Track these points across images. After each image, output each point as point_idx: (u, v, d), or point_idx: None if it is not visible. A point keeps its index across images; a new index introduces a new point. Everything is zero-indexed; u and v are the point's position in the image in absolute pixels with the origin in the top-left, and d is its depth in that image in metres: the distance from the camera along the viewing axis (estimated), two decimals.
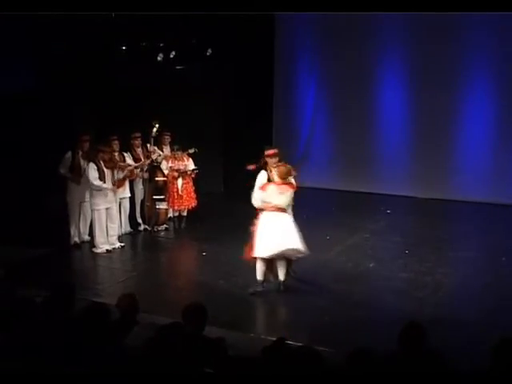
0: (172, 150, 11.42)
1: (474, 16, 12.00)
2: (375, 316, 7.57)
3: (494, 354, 4.15)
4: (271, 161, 8.46)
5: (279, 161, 8.48)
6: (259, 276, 8.31)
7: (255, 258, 8.28)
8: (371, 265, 9.46)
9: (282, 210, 8.22)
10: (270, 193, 8.20)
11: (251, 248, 8.24)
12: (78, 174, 10.24)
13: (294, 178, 8.50)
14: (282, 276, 8.32)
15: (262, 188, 8.27)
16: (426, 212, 12.64)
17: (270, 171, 8.42)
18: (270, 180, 8.37)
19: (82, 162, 10.25)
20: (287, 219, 8.26)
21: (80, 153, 10.29)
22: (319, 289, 8.50)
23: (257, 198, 8.28)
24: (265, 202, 8.22)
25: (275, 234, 8.10)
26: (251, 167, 8.71)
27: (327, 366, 4.14)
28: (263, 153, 8.58)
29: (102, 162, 10.06)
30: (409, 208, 13.01)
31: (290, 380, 4.02)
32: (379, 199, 13.45)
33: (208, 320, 4.99)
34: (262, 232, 8.17)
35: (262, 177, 8.44)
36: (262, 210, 8.28)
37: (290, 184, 8.34)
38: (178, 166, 11.30)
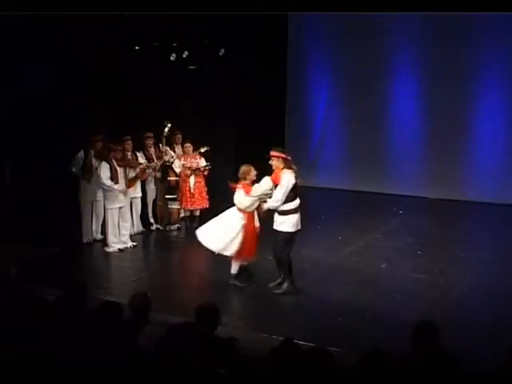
0: (183, 147, 11.42)
1: (487, 15, 11.95)
2: (387, 317, 7.55)
3: (507, 357, 4.13)
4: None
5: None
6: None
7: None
8: (383, 265, 9.44)
9: None
10: None
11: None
12: (90, 173, 10.31)
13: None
14: None
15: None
16: (438, 212, 12.62)
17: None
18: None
19: (94, 160, 10.31)
20: None
21: (92, 152, 10.35)
22: (331, 289, 8.49)
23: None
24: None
25: None
26: (233, 185, 8.53)
27: (339, 366, 4.14)
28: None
29: (114, 161, 10.12)
30: (421, 208, 12.97)
31: (301, 380, 4.02)
32: (392, 200, 13.43)
33: (220, 320, 5.00)
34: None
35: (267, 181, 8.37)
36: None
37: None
38: (191, 163, 11.28)
